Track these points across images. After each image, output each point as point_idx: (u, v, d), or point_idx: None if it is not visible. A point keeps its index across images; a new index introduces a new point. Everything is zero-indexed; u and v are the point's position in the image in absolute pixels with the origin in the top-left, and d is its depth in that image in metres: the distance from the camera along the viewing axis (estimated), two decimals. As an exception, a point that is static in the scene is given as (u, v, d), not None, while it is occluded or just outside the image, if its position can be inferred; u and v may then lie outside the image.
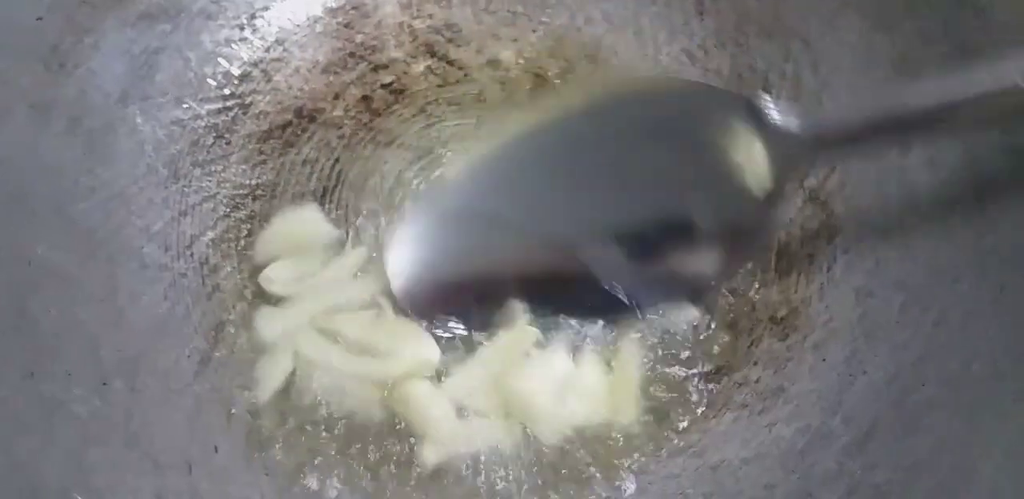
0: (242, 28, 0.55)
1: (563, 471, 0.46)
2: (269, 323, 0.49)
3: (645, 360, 0.48)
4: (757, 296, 0.50)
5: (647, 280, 0.47)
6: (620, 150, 0.47)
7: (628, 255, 0.47)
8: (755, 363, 0.48)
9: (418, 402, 0.47)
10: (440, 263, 0.48)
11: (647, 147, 0.47)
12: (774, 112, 0.44)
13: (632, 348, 0.48)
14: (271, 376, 0.47)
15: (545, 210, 0.48)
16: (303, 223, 0.51)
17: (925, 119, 0.40)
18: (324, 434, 0.46)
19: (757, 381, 0.48)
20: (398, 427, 0.47)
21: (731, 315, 0.49)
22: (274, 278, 0.49)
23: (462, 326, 0.48)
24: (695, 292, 0.49)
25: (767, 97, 0.45)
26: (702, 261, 0.47)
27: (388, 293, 0.48)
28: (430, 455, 0.46)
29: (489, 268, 0.48)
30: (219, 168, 0.52)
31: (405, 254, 0.48)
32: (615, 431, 0.47)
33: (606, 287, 0.47)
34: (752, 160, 0.45)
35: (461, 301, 0.48)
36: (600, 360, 0.48)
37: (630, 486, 0.46)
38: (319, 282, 0.49)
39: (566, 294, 0.48)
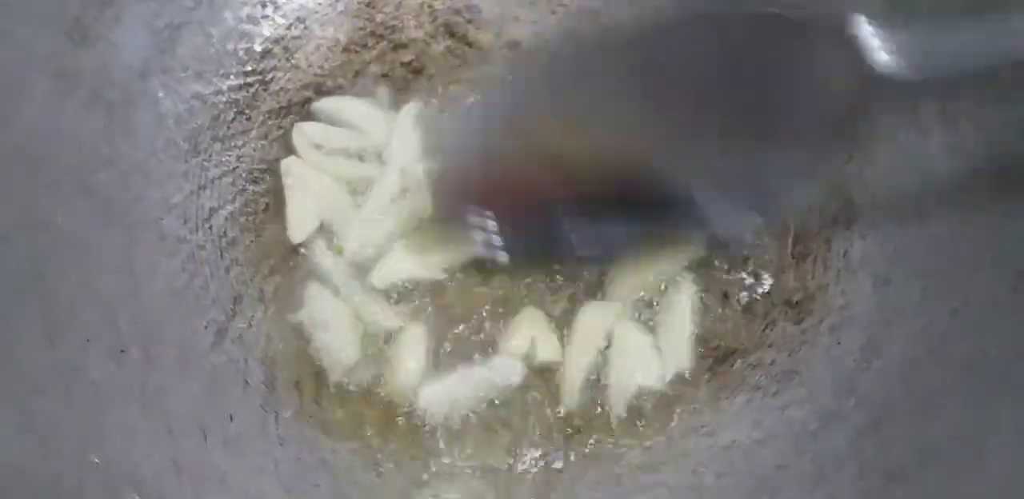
0: (264, 5, 0.55)
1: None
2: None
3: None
4: (773, 280, 0.50)
5: (716, 187, 0.42)
6: (690, 68, 0.42)
7: (695, 160, 0.42)
8: (769, 346, 0.48)
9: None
10: (487, 155, 0.43)
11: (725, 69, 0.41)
12: (875, 44, 0.38)
13: (682, 295, 0.49)
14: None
15: (607, 114, 0.42)
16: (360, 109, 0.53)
17: None
18: (338, 408, 0.47)
19: (771, 364, 0.48)
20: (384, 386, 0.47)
21: (746, 298, 0.49)
22: (308, 132, 0.51)
23: (498, 239, 0.43)
24: (762, 206, 0.44)
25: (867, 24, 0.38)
26: (772, 172, 0.42)
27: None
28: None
29: (542, 168, 0.42)
30: (239, 143, 0.53)
31: (451, 142, 0.45)
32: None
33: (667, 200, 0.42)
34: (838, 95, 0.40)
35: (504, 203, 0.43)
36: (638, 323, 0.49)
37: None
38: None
39: (624, 207, 0.43)
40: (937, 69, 0.38)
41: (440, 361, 0.48)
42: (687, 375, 0.48)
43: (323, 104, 0.54)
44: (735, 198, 0.43)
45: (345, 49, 0.56)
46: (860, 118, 0.41)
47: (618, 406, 0.47)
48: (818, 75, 0.40)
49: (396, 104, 0.54)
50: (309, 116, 0.54)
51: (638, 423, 0.47)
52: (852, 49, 0.38)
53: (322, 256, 0.50)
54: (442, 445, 0.47)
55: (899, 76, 0.38)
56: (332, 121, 0.53)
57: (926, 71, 0.38)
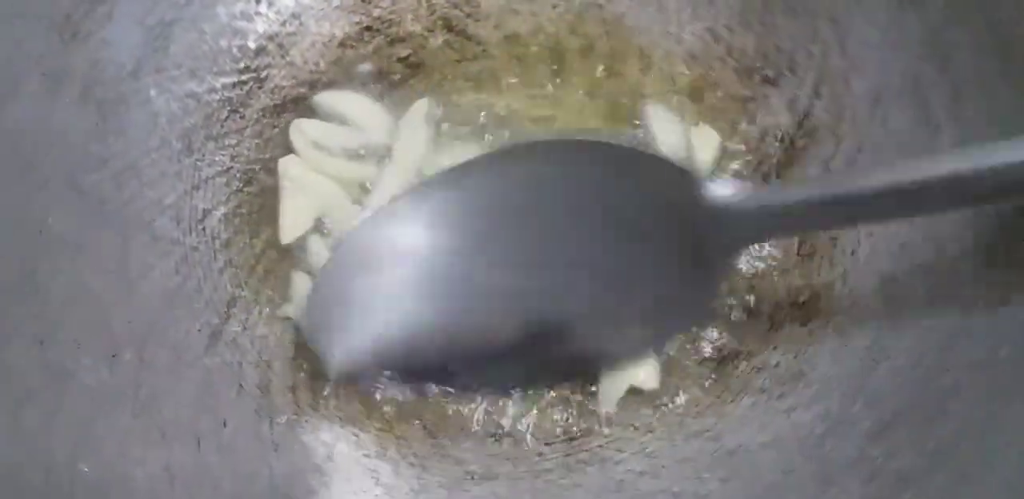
0: (258, 1, 0.54)
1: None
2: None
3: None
4: (778, 280, 0.49)
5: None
6: (554, 213, 0.44)
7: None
8: (775, 347, 0.48)
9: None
10: (371, 314, 0.45)
11: (585, 214, 0.44)
12: (719, 188, 0.42)
13: None
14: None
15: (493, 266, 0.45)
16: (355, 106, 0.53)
17: (878, 202, 0.37)
18: (334, 407, 0.47)
19: (776, 366, 0.47)
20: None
21: (751, 299, 0.49)
22: (306, 130, 0.51)
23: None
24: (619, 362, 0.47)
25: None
26: (636, 328, 0.46)
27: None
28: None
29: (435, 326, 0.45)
30: (233, 142, 0.52)
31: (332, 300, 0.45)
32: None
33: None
34: (690, 236, 0.43)
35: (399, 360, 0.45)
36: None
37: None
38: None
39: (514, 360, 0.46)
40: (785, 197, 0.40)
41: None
42: (688, 378, 0.48)
43: (322, 98, 0.53)
44: (624, 334, 0.46)
45: (341, 44, 0.55)
46: (717, 250, 0.43)
47: (607, 403, 0.47)
48: (668, 206, 0.43)
49: (394, 100, 0.53)
50: (305, 113, 0.53)
51: (639, 427, 0.47)
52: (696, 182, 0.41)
53: (318, 255, 0.49)
54: (443, 451, 0.46)
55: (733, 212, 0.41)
56: (331, 117, 0.52)
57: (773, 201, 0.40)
